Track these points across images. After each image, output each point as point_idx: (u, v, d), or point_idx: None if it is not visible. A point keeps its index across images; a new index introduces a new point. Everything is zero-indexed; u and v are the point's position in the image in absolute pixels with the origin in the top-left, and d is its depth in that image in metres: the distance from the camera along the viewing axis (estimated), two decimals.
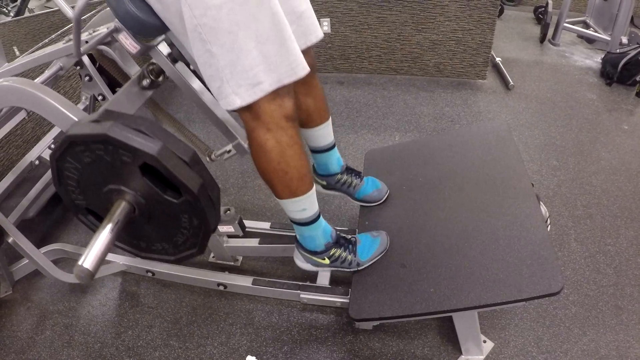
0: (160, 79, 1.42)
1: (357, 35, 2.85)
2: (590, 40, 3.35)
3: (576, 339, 1.40)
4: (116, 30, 1.21)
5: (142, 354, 1.44)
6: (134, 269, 1.66)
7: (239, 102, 1.01)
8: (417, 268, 1.29)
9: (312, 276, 1.52)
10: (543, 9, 3.50)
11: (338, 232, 1.36)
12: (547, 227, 1.40)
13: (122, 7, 1.07)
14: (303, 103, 1.34)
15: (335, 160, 1.50)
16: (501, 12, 3.85)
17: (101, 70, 1.48)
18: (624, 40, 3.01)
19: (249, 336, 1.47)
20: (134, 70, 1.43)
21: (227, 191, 2.08)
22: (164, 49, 1.37)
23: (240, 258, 1.73)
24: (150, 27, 1.10)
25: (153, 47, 1.35)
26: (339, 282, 1.52)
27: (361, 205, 1.58)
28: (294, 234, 1.35)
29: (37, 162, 1.82)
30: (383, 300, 1.25)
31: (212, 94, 1.13)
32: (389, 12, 2.72)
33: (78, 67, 1.44)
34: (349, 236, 1.38)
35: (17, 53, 2.37)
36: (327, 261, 1.34)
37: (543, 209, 1.43)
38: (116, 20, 1.18)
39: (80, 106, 1.67)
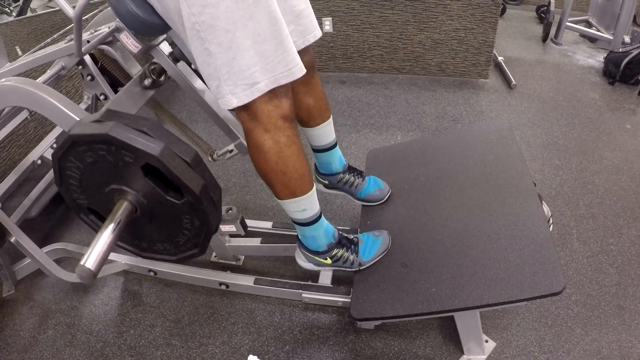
0: (162, 78, 1.42)
1: (359, 34, 2.84)
2: (592, 40, 3.34)
3: (578, 339, 1.40)
4: (117, 30, 1.22)
5: (144, 353, 1.44)
6: (136, 269, 1.66)
7: (235, 101, 1.01)
8: (419, 267, 1.29)
9: (314, 276, 1.52)
10: (545, 8, 3.49)
11: (340, 232, 1.36)
12: (550, 226, 1.39)
13: (122, 6, 1.07)
14: (304, 102, 1.34)
15: (337, 159, 1.50)
16: (503, 11, 3.84)
17: (103, 70, 1.48)
18: (627, 39, 3.00)
19: (250, 335, 1.47)
20: (135, 69, 1.43)
21: (229, 190, 2.08)
22: (165, 48, 1.37)
23: (242, 257, 1.73)
24: (150, 26, 1.10)
25: (154, 46, 1.35)
26: (341, 281, 1.52)
27: (363, 205, 1.57)
28: (295, 234, 1.35)
29: (39, 162, 1.82)
30: (385, 300, 1.25)
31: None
32: (391, 11, 2.72)
33: (80, 67, 1.44)
34: (351, 236, 1.38)
35: (20, 53, 2.37)
36: (329, 261, 1.34)
37: (545, 208, 1.43)
38: (117, 19, 1.18)
39: (82, 106, 1.67)
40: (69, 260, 1.71)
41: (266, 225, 1.76)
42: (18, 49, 2.40)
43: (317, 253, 1.33)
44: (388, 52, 2.87)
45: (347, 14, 2.78)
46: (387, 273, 1.31)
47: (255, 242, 1.64)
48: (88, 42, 1.23)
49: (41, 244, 1.60)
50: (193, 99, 1.48)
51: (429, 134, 2.42)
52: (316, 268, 1.37)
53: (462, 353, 1.36)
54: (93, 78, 1.44)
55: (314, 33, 1.24)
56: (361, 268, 1.35)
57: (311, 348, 1.42)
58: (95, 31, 1.24)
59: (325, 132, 1.43)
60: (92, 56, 1.45)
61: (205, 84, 1.41)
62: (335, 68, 3.00)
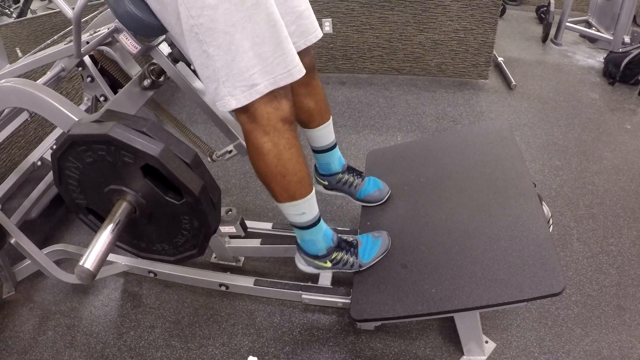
0: (162, 79, 1.42)
1: (358, 35, 2.84)
2: (592, 40, 3.34)
3: (578, 340, 1.39)
4: (117, 31, 1.22)
5: (144, 354, 1.44)
6: (136, 270, 1.66)
7: (234, 103, 1.01)
8: (419, 268, 1.29)
9: (314, 277, 1.52)
10: (545, 8, 3.49)
11: (339, 235, 1.35)
12: (550, 227, 1.39)
13: (121, 7, 1.07)
14: (304, 103, 1.34)
15: (336, 160, 1.50)
16: (503, 11, 3.84)
17: (103, 72, 1.48)
18: (627, 39, 2.99)
19: (250, 337, 1.47)
20: (135, 70, 1.43)
21: (228, 191, 2.08)
22: (164, 49, 1.38)
23: (242, 258, 1.73)
24: (150, 27, 1.10)
25: (154, 47, 1.35)
26: (340, 282, 1.52)
27: (363, 206, 1.57)
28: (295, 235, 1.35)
29: (39, 163, 1.82)
30: (385, 301, 1.25)
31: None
32: (390, 12, 2.72)
33: (80, 68, 1.44)
34: (350, 238, 1.37)
35: (20, 54, 2.38)
36: (329, 264, 1.33)
37: (545, 209, 1.43)
38: (116, 20, 1.18)
39: (82, 107, 1.67)
40: (69, 262, 1.71)
41: (266, 226, 1.75)
42: (18, 51, 2.41)
43: (316, 257, 1.32)
44: (388, 53, 2.87)
45: (347, 15, 2.78)
46: (387, 274, 1.31)
47: (255, 243, 1.64)
48: (87, 43, 1.23)
49: (41, 245, 1.60)
50: (192, 99, 1.49)
51: (429, 134, 2.42)
52: (316, 271, 1.37)
53: (462, 354, 1.36)
54: (93, 79, 1.45)
55: (315, 34, 1.24)
56: (361, 269, 1.35)
57: (311, 349, 1.42)
58: (95, 32, 1.25)
59: (325, 133, 1.43)
60: (92, 58, 1.45)
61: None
62: (335, 69, 3.01)
